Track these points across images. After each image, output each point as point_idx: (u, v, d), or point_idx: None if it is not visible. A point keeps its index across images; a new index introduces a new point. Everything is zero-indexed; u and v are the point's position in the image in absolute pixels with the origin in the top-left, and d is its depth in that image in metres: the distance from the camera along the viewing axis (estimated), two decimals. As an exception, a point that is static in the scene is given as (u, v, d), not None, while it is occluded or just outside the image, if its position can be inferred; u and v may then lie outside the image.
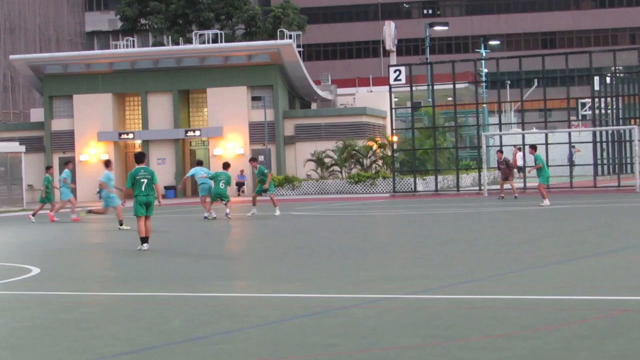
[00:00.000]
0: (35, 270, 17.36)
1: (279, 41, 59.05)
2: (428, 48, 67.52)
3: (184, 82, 58.31)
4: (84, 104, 58.46)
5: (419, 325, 10.65)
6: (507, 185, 41.49)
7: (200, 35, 64.56)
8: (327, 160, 54.84)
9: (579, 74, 60.05)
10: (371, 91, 71.89)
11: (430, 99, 55.32)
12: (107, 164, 32.42)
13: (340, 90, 67.34)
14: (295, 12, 78.57)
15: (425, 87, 58.01)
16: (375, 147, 55.33)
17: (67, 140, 59.11)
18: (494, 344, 9.49)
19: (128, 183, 21.10)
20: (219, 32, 64.11)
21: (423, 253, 19.08)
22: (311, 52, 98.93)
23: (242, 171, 54.89)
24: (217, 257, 19.22)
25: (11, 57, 63.55)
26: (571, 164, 53.25)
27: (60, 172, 40.19)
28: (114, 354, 9.59)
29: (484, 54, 78.10)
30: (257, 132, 56.96)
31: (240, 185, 54.87)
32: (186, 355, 9.58)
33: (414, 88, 51.00)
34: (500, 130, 53.18)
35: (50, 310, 12.84)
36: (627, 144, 56.89)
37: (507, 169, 40.89)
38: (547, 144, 48.82)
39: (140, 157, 21.70)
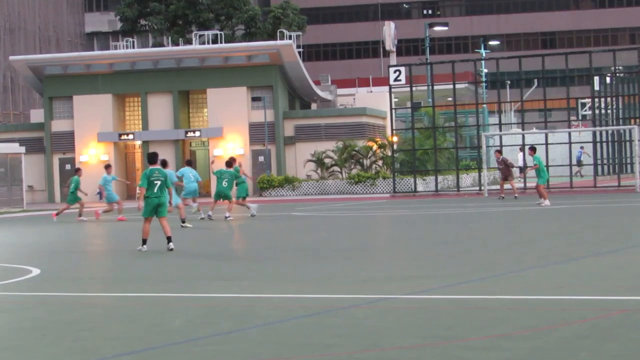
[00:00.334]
0: (36, 271, 17.36)
1: (278, 42, 59.03)
2: (428, 48, 67.52)
3: (183, 83, 58.29)
4: (84, 105, 58.43)
5: (419, 326, 10.65)
6: (507, 185, 41.49)
7: (200, 35, 64.53)
8: (327, 160, 54.82)
9: (579, 74, 60.04)
10: (371, 91, 71.91)
11: (430, 99, 55.32)
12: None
13: (340, 91, 67.31)
14: (295, 12, 78.56)
15: (425, 88, 58.00)
16: (375, 147, 55.32)
17: (67, 141, 59.09)
18: (495, 344, 9.49)
19: (143, 183, 20.64)
20: (218, 32, 64.08)
21: (423, 253, 19.08)
22: (311, 53, 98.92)
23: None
24: (217, 258, 19.23)
25: (11, 57, 63.53)
26: (579, 164, 53.37)
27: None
28: (114, 355, 9.59)
29: (483, 54, 78.11)
30: (257, 132, 56.94)
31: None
32: (186, 355, 9.58)
33: (413, 88, 50.98)
34: (500, 130, 53.18)
35: (50, 311, 12.84)
36: (627, 143, 56.88)
37: (506, 169, 40.89)
38: (547, 144, 48.80)
39: (153, 158, 21.30)
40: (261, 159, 56.51)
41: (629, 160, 57.63)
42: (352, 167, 55.23)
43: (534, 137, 55.24)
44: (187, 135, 58.42)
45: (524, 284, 13.82)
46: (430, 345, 9.53)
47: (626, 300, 12.03)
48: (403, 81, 50.92)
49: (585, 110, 73.31)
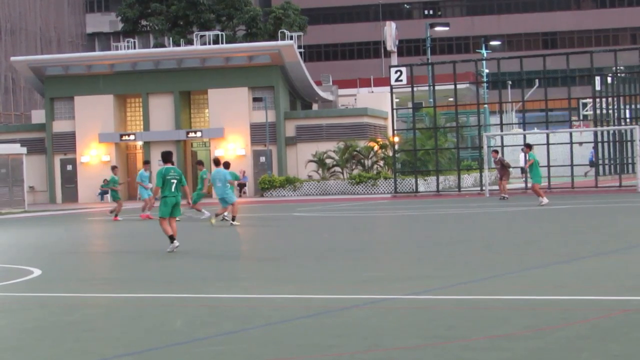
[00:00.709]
0: (37, 272, 17.36)
1: (280, 42, 59.04)
2: (429, 48, 67.52)
3: (185, 83, 58.30)
4: (85, 106, 58.45)
5: (420, 326, 10.65)
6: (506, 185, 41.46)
7: (201, 36, 64.54)
8: (328, 161, 54.82)
9: (580, 74, 60.05)
10: (372, 92, 71.90)
11: (431, 100, 55.30)
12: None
13: (341, 91, 67.32)
14: (296, 12, 78.56)
15: (427, 88, 57.98)
16: (376, 147, 55.32)
17: (68, 142, 59.12)
18: (496, 344, 9.49)
19: (159, 182, 20.36)
20: (219, 33, 64.10)
21: (424, 253, 19.08)
22: (312, 53, 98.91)
23: (243, 172, 54.89)
24: (218, 258, 19.23)
25: (12, 58, 63.55)
26: (591, 164, 53.37)
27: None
28: (115, 356, 9.60)
29: (485, 55, 78.08)
30: (258, 133, 56.95)
31: (242, 186, 54.85)
32: (188, 356, 9.58)
33: (415, 88, 50.97)
34: (502, 130, 53.16)
35: (51, 312, 12.85)
36: (629, 143, 56.85)
37: (502, 169, 40.91)
38: (548, 144, 48.80)
39: (168, 157, 21.00)
40: (262, 159, 56.50)
41: (630, 161, 57.60)
42: (354, 167, 55.23)
43: (535, 137, 55.23)
44: (189, 135, 58.43)
45: (525, 284, 13.81)
46: (431, 345, 9.53)
47: (627, 300, 12.02)
48: (404, 81, 50.91)
49: (587, 110, 73.30)
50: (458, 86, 51.32)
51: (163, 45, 73.10)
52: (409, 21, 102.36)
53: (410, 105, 54.53)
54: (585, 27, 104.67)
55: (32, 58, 63.50)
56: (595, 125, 53.48)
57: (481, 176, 48.61)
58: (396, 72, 50.84)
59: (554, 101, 54.07)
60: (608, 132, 55.93)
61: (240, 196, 54.03)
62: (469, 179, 54.42)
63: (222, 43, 61.23)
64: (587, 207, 33.42)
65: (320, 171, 54.93)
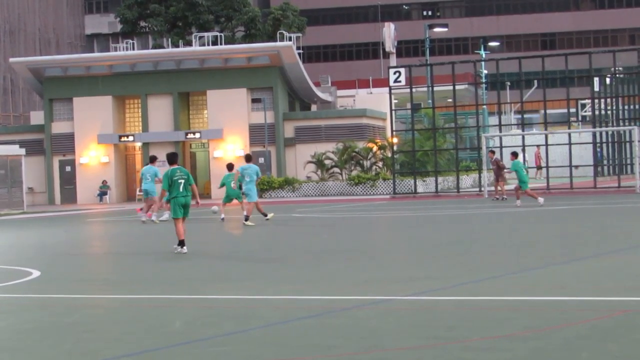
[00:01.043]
0: (36, 273, 17.35)
1: (278, 43, 59.03)
2: (428, 49, 67.53)
3: (183, 85, 58.30)
4: (84, 107, 58.43)
5: (420, 327, 10.65)
6: (504, 186, 41.50)
7: (200, 37, 64.52)
8: (327, 162, 54.81)
9: (579, 75, 60.00)
10: (371, 93, 71.93)
11: (430, 101, 55.31)
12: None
13: (340, 92, 67.31)
14: (295, 14, 78.55)
15: (425, 89, 57.99)
16: (375, 148, 55.31)
17: (67, 143, 59.10)
18: (496, 345, 9.49)
19: (165, 184, 20.27)
20: (218, 34, 64.10)
21: (424, 254, 19.08)
22: (311, 54, 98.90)
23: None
24: (217, 259, 19.23)
25: (11, 59, 63.52)
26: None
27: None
28: (114, 357, 9.59)
29: (483, 55, 78.11)
30: (257, 134, 56.95)
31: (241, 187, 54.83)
32: (187, 357, 9.58)
33: (413, 89, 50.97)
34: (500, 131, 53.18)
35: (50, 313, 12.84)
36: (627, 144, 56.87)
37: (497, 170, 40.95)
38: (547, 144, 48.80)
39: (173, 158, 20.95)
40: (261, 160, 56.47)
41: (629, 161, 57.62)
42: (352, 168, 55.23)
43: (534, 137, 55.28)
44: (187, 136, 58.43)
45: (524, 284, 13.82)
46: (431, 346, 9.53)
47: (627, 300, 12.03)
48: (403, 82, 50.91)
49: (585, 111, 73.31)
50: (457, 87, 51.32)
51: (162, 47, 73.05)
52: (407, 22, 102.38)
53: (409, 106, 54.53)
54: (584, 28, 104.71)
55: (31, 59, 63.49)
56: (594, 126, 53.50)
57: (480, 177, 48.62)
58: (395, 73, 50.84)
59: (553, 102, 54.05)
60: (607, 132, 55.95)
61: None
62: (467, 180, 54.43)
63: (221, 44, 61.23)
64: (586, 208, 33.43)
65: (319, 172, 54.92)
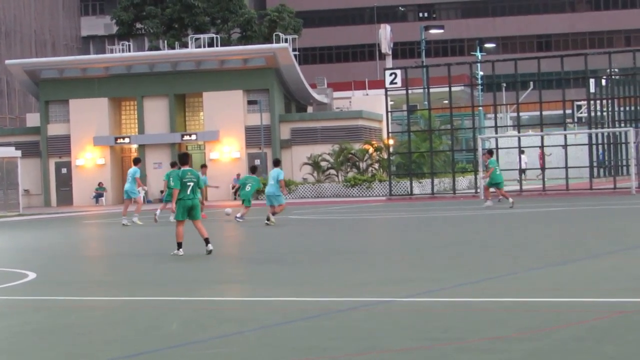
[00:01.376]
0: (32, 275, 17.33)
1: (274, 45, 59.06)
2: (424, 51, 67.56)
3: (179, 86, 58.30)
4: (80, 109, 58.42)
5: (416, 328, 10.65)
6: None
7: (196, 39, 64.53)
8: (323, 163, 54.83)
9: (575, 76, 60.10)
10: (367, 94, 71.91)
11: (426, 102, 55.34)
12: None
13: (336, 94, 67.34)
14: (291, 15, 78.59)
15: (421, 90, 58.04)
16: (371, 150, 55.33)
17: (63, 145, 59.08)
18: (492, 346, 9.49)
19: (176, 184, 20.10)
20: (214, 36, 64.11)
21: (420, 256, 19.08)
22: (307, 56, 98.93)
23: (238, 175, 54.83)
24: (213, 261, 19.21)
25: (7, 61, 63.49)
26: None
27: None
28: (111, 358, 9.58)
29: (479, 57, 78.16)
30: (253, 135, 56.96)
31: (237, 189, 54.84)
32: (183, 359, 9.57)
33: (409, 91, 50.99)
34: (496, 132, 53.22)
35: (46, 315, 12.82)
36: (623, 146, 56.93)
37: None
38: (542, 146, 48.83)
39: (185, 159, 20.76)
40: (257, 162, 56.46)
41: (624, 163, 57.67)
42: (349, 170, 55.25)
43: (530, 139, 55.32)
44: (183, 138, 58.43)
45: (521, 286, 13.82)
46: (427, 347, 9.53)
47: (623, 302, 12.03)
48: (399, 84, 50.92)
49: (581, 113, 73.39)
50: (453, 89, 51.34)
51: (158, 48, 73.06)
52: (403, 24, 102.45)
53: (405, 107, 54.57)
54: (580, 29, 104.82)
55: (26, 61, 63.45)
56: (590, 128, 53.52)
57: (476, 178, 48.65)
58: (391, 74, 50.86)
59: (549, 103, 54.12)
60: (602, 134, 56.00)
61: (235, 198, 53.98)
62: (463, 182, 54.46)
63: (216, 46, 61.24)
64: (582, 209, 33.46)
65: (315, 174, 54.94)
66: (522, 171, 52.57)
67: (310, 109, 63.40)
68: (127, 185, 32.98)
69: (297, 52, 62.02)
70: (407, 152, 51.67)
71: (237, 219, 31.88)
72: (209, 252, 19.90)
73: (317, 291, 14.09)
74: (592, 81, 55.97)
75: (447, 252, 19.40)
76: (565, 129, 53.32)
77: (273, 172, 31.44)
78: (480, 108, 67.33)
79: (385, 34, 70.61)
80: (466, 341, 9.76)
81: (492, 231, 25.49)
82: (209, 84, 57.31)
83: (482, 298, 12.77)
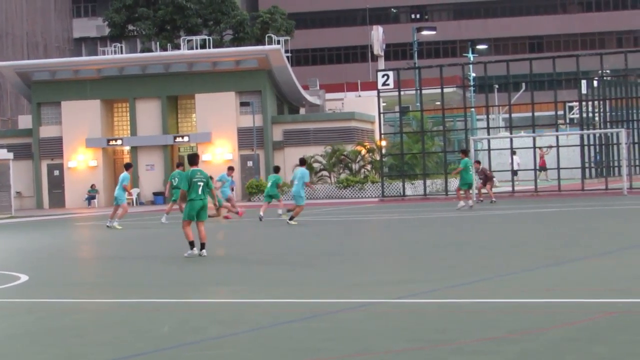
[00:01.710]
0: (24, 278, 17.32)
1: (267, 46, 59.06)
2: (416, 52, 67.60)
3: (172, 88, 58.26)
4: (72, 111, 58.35)
5: (409, 330, 10.66)
6: (483, 190, 41.75)
7: (188, 41, 64.50)
8: (315, 165, 54.84)
9: (567, 78, 60.19)
10: (359, 96, 71.92)
11: (418, 104, 55.38)
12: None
13: (328, 95, 67.33)
14: (283, 17, 78.57)
15: (414, 92, 58.06)
16: (363, 151, 55.36)
17: (55, 147, 59.01)
18: (484, 347, 9.52)
19: (184, 185, 20.05)
20: (207, 37, 64.08)
21: (413, 257, 19.10)
22: (299, 57, 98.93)
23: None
24: (206, 263, 19.21)
25: (-1, 63, 63.39)
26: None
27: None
28: (103, 361, 9.59)
29: (471, 58, 78.20)
30: (245, 137, 56.95)
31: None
32: (176, 361, 9.58)
33: (402, 92, 51.01)
34: (488, 134, 53.30)
35: (38, 317, 12.82)
36: (615, 146, 57.03)
37: (485, 179, 41.16)
38: (534, 147, 48.91)
39: (194, 159, 20.61)
40: (250, 164, 56.46)
41: (616, 164, 57.78)
42: (341, 171, 55.26)
43: (522, 140, 55.40)
44: (176, 140, 58.39)
45: (513, 287, 13.86)
46: (419, 349, 9.55)
47: (614, 302, 12.07)
48: (391, 85, 50.95)
49: (573, 114, 73.51)
50: (445, 90, 51.40)
51: (150, 50, 73.00)
52: (396, 25, 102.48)
53: (397, 109, 54.59)
54: (572, 30, 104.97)
55: (18, 63, 63.36)
56: (582, 129, 53.61)
57: (468, 180, 48.67)
58: (383, 76, 50.90)
59: (541, 104, 54.19)
60: (594, 135, 56.11)
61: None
62: (456, 183, 54.41)
63: (209, 48, 61.23)
64: (574, 210, 33.52)
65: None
66: (514, 172, 52.64)
67: (302, 111, 63.41)
68: (116, 191, 32.97)
69: (289, 54, 62.03)
70: (400, 153, 51.70)
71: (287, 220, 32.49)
72: (201, 256, 19.84)
73: (310, 292, 14.11)
74: (583, 82, 56.08)
75: (440, 253, 19.43)
76: (557, 130, 53.42)
77: (298, 172, 32.10)
78: (473, 109, 67.36)
79: (377, 36, 70.65)
80: (459, 342, 9.78)
81: (485, 232, 25.52)
82: (201, 86, 57.29)
83: (475, 299, 12.80)
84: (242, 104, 56.66)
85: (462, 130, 56.65)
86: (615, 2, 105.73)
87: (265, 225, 31.17)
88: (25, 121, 63.67)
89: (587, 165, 54.50)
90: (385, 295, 13.32)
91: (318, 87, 66.29)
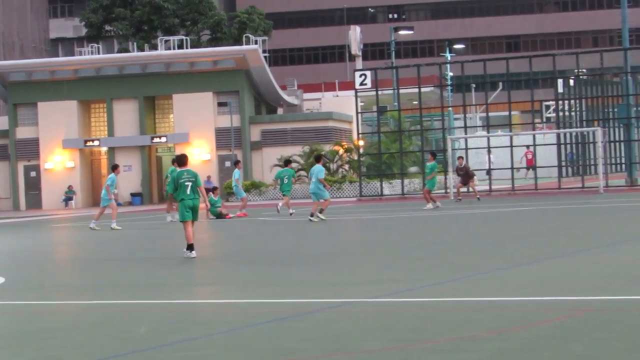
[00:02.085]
0: (0, 280, 17.24)
1: (244, 46, 59.01)
2: (393, 52, 67.69)
3: (149, 89, 58.14)
4: (48, 112, 58.14)
5: (385, 329, 10.68)
6: (463, 189, 41.91)
7: (166, 41, 64.37)
8: (293, 165, 54.75)
9: (543, 77, 60.40)
10: (337, 96, 71.99)
11: (396, 103, 55.49)
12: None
13: (306, 95, 67.36)
14: (261, 17, 78.52)
15: (391, 91, 58.16)
16: (341, 151, 55.40)
17: (32, 148, 58.79)
18: (460, 346, 9.54)
19: (170, 187, 19.98)
20: (184, 38, 63.97)
21: (389, 257, 19.12)
22: (277, 57, 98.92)
23: (209, 177, 54.72)
24: (183, 263, 19.17)
25: (-26, 64, 63.07)
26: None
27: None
28: (79, 362, 9.56)
29: (449, 58, 78.39)
30: (223, 137, 56.89)
31: (208, 191, 54.71)
32: (152, 362, 9.57)
33: (379, 92, 51.08)
34: (466, 133, 53.42)
35: (14, 320, 12.77)
36: (591, 145, 57.28)
37: (465, 175, 41.26)
38: (512, 146, 49.06)
39: (182, 160, 20.45)
40: (227, 164, 56.39)
41: (592, 162, 58.03)
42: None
43: (499, 139, 55.58)
44: (153, 141, 58.27)
45: (488, 285, 13.90)
46: (395, 348, 9.57)
47: (589, 300, 12.13)
48: (369, 85, 51.03)
49: (550, 113, 73.77)
50: (422, 89, 51.51)
51: (127, 51, 72.79)
52: (373, 25, 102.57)
53: (375, 108, 54.66)
54: (548, 30, 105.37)
55: (-6, 64, 63.05)
56: (558, 128, 53.82)
57: (446, 179, 48.82)
58: (361, 75, 50.95)
59: (518, 104, 54.40)
60: (571, 134, 56.33)
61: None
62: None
63: (186, 48, 61.12)
64: (550, 209, 33.64)
65: (285, 175, 54.84)
66: (488, 171, 52.73)
67: (280, 111, 63.41)
68: (102, 192, 32.80)
69: (267, 54, 62.00)
70: (377, 153, 51.78)
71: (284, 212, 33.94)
72: (190, 257, 19.67)
73: (287, 293, 14.11)
74: (560, 81, 56.26)
75: (417, 253, 19.46)
76: (534, 129, 53.60)
77: (314, 170, 32.13)
78: (450, 109, 67.53)
79: (355, 36, 70.73)
80: (435, 341, 9.81)
81: (461, 231, 25.58)
82: (179, 86, 57.19)
83: (451, 298, 12.83)
84: (220, 104, 56.62)
85: (440, 130, 56.83)
86: (591, 2, 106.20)
87: (237, 227, 31.12)
88: (1, 122, 63.37)
89: (563, 163, 54.75)
90: (361, 294, 13.34)
91: (296, 87, 66.31)
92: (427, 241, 22.33)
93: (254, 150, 57.67)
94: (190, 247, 19.79)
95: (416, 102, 55.30)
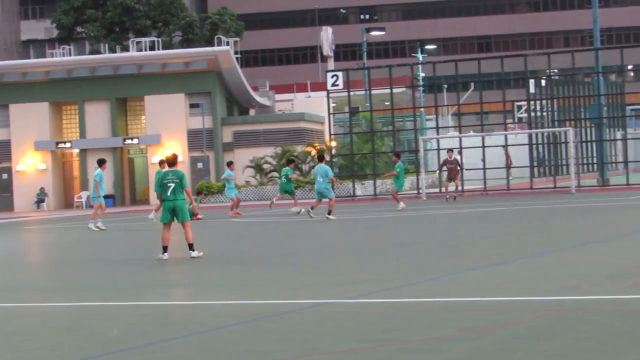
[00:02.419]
0: (-29, 283, 17.13)
1: (216, 48, 58.92)
2: (365, 53, 67.79)
3: (121, 90, 57.94)
4: (20, 114, 57.84)
5: (358, 330, 10.68)
6: (451, 188, 41.74)
7: (138, 42, 64.17)
8: (265, 166, 54.78)
9: (515, 77, 60.63)
10: (309, 97, 72.02)
11: (368, 104, 55.55)
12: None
13: (278, 96, 67.36)
14: (233, 18, 78.42)
15: (363, 92, 58.27)
16: (313, 152, 55.41)
17: (3, 150, 58.47)
18: (434, 346, 9.56)
19: (156, 187, 19.91)
20: (156, 39, 63.82)
21: (363, 258, 19.13)
22: (249, 59, 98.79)
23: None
24: (154, 265, 19.11)
25: (-56, 66, 62.63)
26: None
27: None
28: (52, 365, 9.51)
29: (420, 58, 78.62)
30: (195, 139, 56.77)
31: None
32: (125, 364, 9.53)
33: (351, 93, 51.15)
34: (438, 133, 53.57)
35: (-14, 322, 12.68)
36: (563, 145, 57.56)
37: (454, 169, 40.66)
38: (483, 146, 49.21)
39: (171, 160, 20.23)
40: (200, 165, 56.29)
41: (564, 162, 58.32)
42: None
43: (471, 139, 55.73)
44: (125, 142, 58.08)
45: (461, 286, 13.93)
46: (369, 348, 9.57)
47: (562, 300, 12.18)
48: (341, 86, 51.07)
49: (521, 113, 74.10)
50: (394, 90, 51.61)
51: (99, 52, 72.51)
52: (345, 26, 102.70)
53: (347, 109, 54.72)
54: (519, 30, 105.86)
55: (-36, 66, 62.66)
56: (530, 128, 54.06)
57: (418, 179, 48.93)
58: (332, 76, 50.99)
59: (489, 104, 54.61)
60: (543, 134, 56.59)
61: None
62: (406, 183, 54.64)
63: (158, 49, 60.97)
64: (523, 209, 33.77)
65: (257, 176, 54.86)
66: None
67: (252, 112, 63.35)
68: (91, 190, 32.53)
69: (238, 55, 61.93)
70: (350, 153, 51.83)
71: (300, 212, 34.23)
72: (192, 257, 19.62)
73: (260, 294, 14.08)
74: (531, 82, 56.55)
75: (390, 254, 19.47)
76: (505, 129, 53.81)
77: (320, 169, 32.20)
78: (422, 109, 67.74)
79: (326, 36, 70.76)
80: (409, 341, 9.82)
81: (434, 232, 25.64)
82: (151, 88, 57.03)
83: (424, 298, 12.85)
84: (192, 106, 56.50)
85: (412, 130, 56.94)
86: (562, 2, 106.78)
87: (209, 228, 31.06)
88: (-28, 124, 62.98)
89: (535, 164, 55.02)
90: (334, 295, 13.34)
91: (268, 88, 66.29)
92: (400, 242, 22.36)
93: (226, 152, 57.56)
94: (164, 249, 19.71)
95: (388, 103, 55.42)
